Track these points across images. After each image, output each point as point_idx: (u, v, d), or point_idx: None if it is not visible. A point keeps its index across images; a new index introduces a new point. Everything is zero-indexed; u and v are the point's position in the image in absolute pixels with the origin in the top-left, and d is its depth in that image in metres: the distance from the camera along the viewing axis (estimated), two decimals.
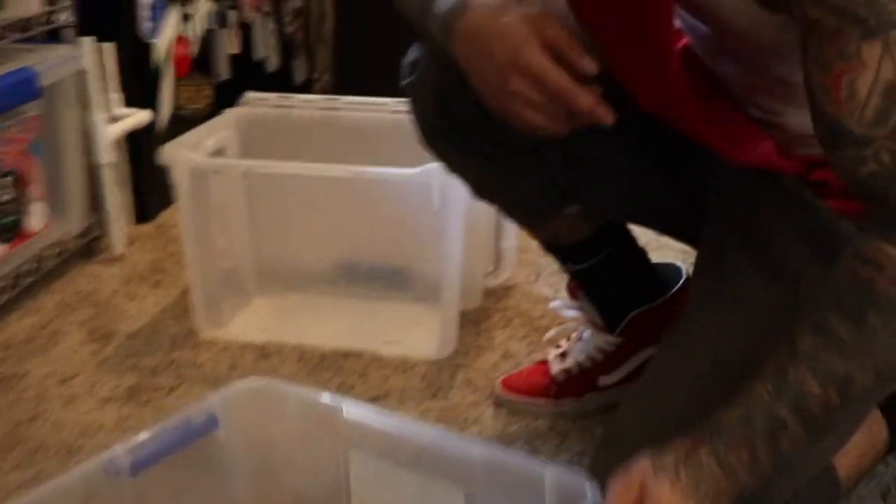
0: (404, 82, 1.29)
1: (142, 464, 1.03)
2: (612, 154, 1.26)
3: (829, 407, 0.93)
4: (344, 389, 1.56)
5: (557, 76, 0.98)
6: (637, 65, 1.11)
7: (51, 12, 1.86)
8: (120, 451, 1.03)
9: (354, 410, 1.09)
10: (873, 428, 1.27)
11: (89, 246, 2.03)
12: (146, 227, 2.17)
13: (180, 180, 1.67)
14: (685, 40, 1.17)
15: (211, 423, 1.12)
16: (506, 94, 1.01)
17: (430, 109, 1.27)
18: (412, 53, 1.28)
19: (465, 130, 1.25)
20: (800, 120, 0.97)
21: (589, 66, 0.99)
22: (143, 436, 1.04)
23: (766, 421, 0.94)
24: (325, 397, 1.13)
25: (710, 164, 1.21)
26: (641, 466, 0.99)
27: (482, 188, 1.36)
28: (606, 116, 0.99)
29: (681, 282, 1.51)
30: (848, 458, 1.21)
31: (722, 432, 0.97)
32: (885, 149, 0.87)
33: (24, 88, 1.74)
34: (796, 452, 0.96)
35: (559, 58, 0.99)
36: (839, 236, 1.07)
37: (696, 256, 1.26)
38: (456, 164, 1.34)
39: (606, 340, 1.49)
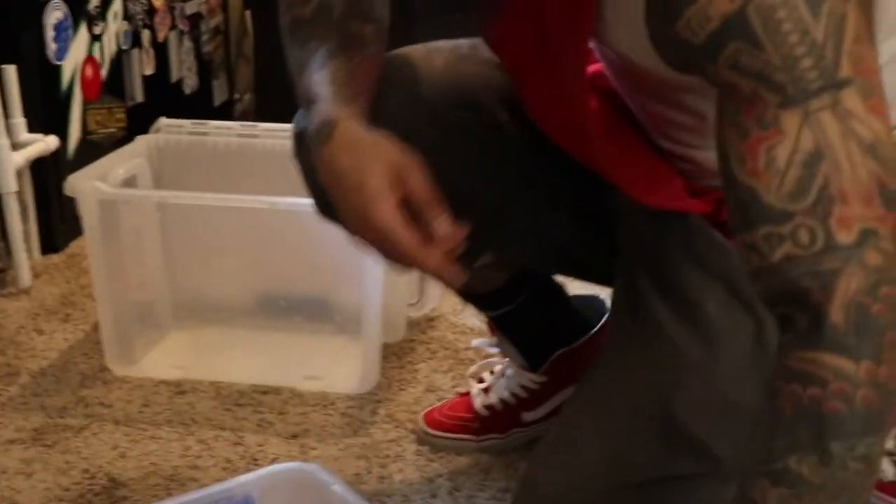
0: (294, 152, 1.27)
1: None
2: (521, 203, 1.26)
3: None
4: (263, 427, 1.56)
5: (406, 239, 0.98)
6: (552, 103, 1.11)
7: None
8: None
9: None
10: None
11: None
12: (55, 258, 2.17)
13: (88, 212, 1.67)
14: (598, 66, 1.17)
15: (245, 501, 1.12)
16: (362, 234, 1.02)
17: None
18: (298, 121, 1.23)
19: None
20: (713, 154, 0.94)
21: (441, 228, 0.98)
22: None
23: None
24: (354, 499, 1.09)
25: (621, 206, 1.21)
26: None
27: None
28: (454, 280, 1.01)
29: (604, 318, 1.51)
30: None
31: None
32: (804, 226, 0.84)
33: None
34: None
35: (415, 212, 0.98)
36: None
37: (612, 301, 1.26)
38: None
39: (530, 379, 1.51)
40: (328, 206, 1.27)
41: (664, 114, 1.09)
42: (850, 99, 0.82)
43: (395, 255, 1.00)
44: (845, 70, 0.81)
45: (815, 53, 0.81)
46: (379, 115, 1.16)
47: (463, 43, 1.29)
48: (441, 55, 1.27)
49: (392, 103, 1.20)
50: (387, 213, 0.97)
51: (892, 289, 0.84)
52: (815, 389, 0.83)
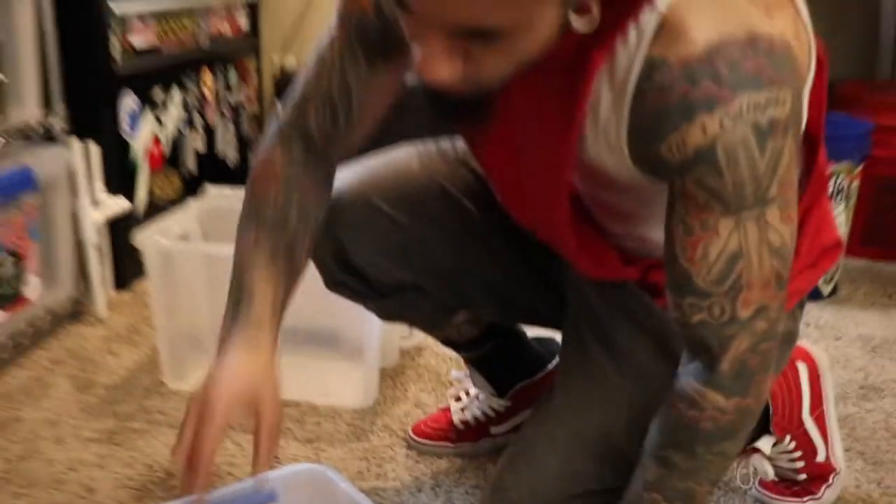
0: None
1: None
2: (488, 273, 1.26)
3: None
4: (284, 433, 1.55)
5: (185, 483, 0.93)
6: (527, 204, 1.08)
7: (46, 117, 1.87)
8: None
9: None
10: None
11: (76, 310, 2.02)
12: (124, 295, 2.16)
13: (150, 260, 1.67)
14: None
15: (271, 496, 1.08)
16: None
17: (332, 267, 1.26)
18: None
19: (363, 281, 1.26)
20: (660, 233, 0.94)
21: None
22: (211, 497, 0.98)
23: None
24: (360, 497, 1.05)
25: (569, 273, 1.19)
26: None
27: (384, 315, 1.37)
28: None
29: (555, 355, 1.49)
30: None
31: None
32: (718, 304, 0.88)
33: (24, 183, 1.75)
34: None
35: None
36: (669, 330, 1.05)
37: (561, 344, 1.24)
38: (358, 301, 1.33)
39: (497, 403, 1.50)
40: (335, 283, 1.28)
41: (619, 204, 1.06)
42: (771, 213, 0.85)
43: (180, 438, 0.95)
44: (773, 191, 0.84)
45: (755, 181, 0.82)
46: (384, 201, 1.21)
47: (439, 144, 1.27)
48: (418, 158, 1.26)
49: (384, 199, 1.21)
50: (181, 452, 0.93)
51: (769, 345, 0.92)
52: (695, 412, 0.93)
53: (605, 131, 0.89)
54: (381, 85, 1.03)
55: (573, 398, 1.13)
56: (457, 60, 0.76)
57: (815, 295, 2.21)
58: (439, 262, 1.24)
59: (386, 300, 1.30)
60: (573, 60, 0.85)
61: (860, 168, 2.22)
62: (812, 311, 2.15)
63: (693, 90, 0.79)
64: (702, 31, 0.79)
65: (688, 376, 0.95)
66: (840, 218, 2.21)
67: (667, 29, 0.81)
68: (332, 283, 1.29)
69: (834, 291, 2.25)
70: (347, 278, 1.27)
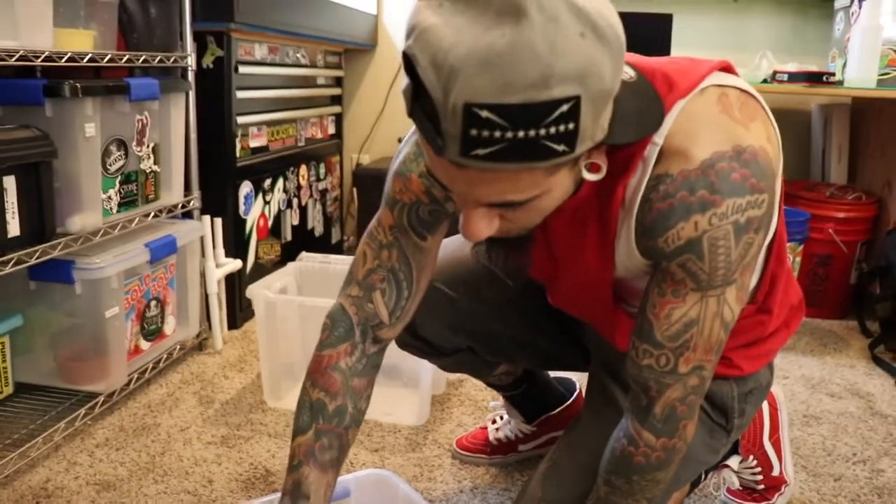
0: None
1: None
2: (525, 335, 1.24)
3: None
4: (357, 444, 1.54)
5: None
6: (576, 303, 1.06)
7: (187, 200, 1.91)
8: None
9: None
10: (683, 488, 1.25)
11: (200, 344, 2.03)
12: (235, 333, 2.17)
13: (258, 308, 1.68)
14: None
15: (346, 492, 1.10)
16: None
17: (403, 335, 1.20)
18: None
19: (427, 345, 1.24)
20: None
21: None
22: None
23: None
24: (415, 496, 1.04)
25: (592, 336, 1.17)
26: None
27: (442, 367, 1.34)
28: None
29: (574, 393, 1.49)
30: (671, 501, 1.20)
31: None
32: (665, 356, 0.84)
33: (169, 248, 1.77)
34: None
35: None
36: None
37: (587, 387, 1.19)
38: (422, 357, 1.30)
39: (526, 427, 1.48)
40: (406, 345, 1.25)
41: (633, 283, 0.98)
42: (730, 292, 0.82)
43: None
44: (735, 276, 0.81)
45: (727, 266, 0.80)
46: (443, 283, 1.18)
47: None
48: (470, 246, 1.23)
49: (444, 282, 1.19)
50: None
51: (696, 398, 0.87)
52: (632, 448, 0.90)
53: (622, 237, 0.87)
54: (431, 250, 0.98)
55: (596, 428, 1.09)
56: (494, 220, 0.74)
57: None
58: (487, 329, 1.21)
59: (445, 358, 1.28)
60: (598, 201, 0.85)
61: (801, 248, 2.20)
62: None
63: (690, 196, 0.78)
64: (697, 149, 0.78)
65: (630, 416, 0.91)
66: None
67: (667, 153, 0.79)
68: (403, 345, 1.27)
69: None
70: (415, 343, 1.25)
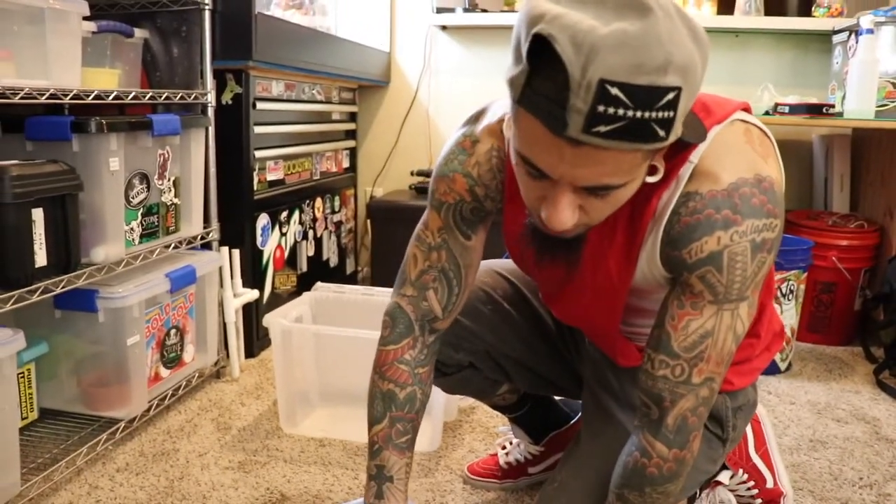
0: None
1: None
2: (525, 358, 1.25)
3: None
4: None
5: None
6: (586, 318, 1.07)
7: (206, 232, 1.93)
8: None
9: None
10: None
11: (218, 372, 2.04)
12: (252, 361, 2.17)
13: (274, 336, 1.69)
14: None
15: None
16: None
17: None
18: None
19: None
20: None
21: None
22: None
23: None
24: None
25: (589, 356, 1.20)
26: None
27: (447, 388, 1.33)
28: None
29: (579, 413, 1.45)
30: None
31: None
32: (680, 366, 0.87)
33: (188, 278, 1.79)
34: None
35: None
36: None
37: (582, 406, 1.22)
38: None
39: (534, 448, 1.48)
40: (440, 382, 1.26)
41: (640, 304, 1.03)
42: (743, 309, 0.86)
43: None
44: (748, 292, 0.85)
45: (742, 282, 0.84)
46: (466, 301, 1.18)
47: (486, 263, 1.26)
48: (492, 274, 1.26)
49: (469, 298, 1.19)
50: None
51: (705, 410, 0.89)
52: (645, 460, 0.91)
53: (647, 249, 0.90)
54: (475, 248, 1.03)
55: (596, 445, 1.11)
56: (576, 210, 0.78)
57: (774, 370, 2.16)
58: (486, 347, 1.23)
59: (448, 378, 1.29)
60: (632, 211, 0.88)
61: (805, 275, 2.20)
62: (772, 382, 2.10)
63: (715, 214, 0.82)
64: (725, 173, 0.83)
65: (641, 430, 0.93)
66: (791, 311, 2.18)
67: (699, 173, 0.85)
68: None
69: (788, 368, 2.20)
70: None
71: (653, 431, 0.90)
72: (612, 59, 0.65)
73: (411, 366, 1.03)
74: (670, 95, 0.68)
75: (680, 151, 0.83)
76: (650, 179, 0.79)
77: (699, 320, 0.86)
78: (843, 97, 2.28)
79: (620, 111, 0.67)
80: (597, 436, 1.12)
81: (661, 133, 0.70)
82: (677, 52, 0.67)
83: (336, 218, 2.73)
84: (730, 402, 1.09)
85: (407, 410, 1.03)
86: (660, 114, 0.68)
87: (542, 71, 0.69)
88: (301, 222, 2.44)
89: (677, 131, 0.72)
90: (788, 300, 2.16)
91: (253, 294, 2.10)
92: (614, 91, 0.66)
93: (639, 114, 0.67)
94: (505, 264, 1.27)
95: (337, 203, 2.74)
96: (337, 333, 1.69)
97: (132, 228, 1.67)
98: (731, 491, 1.35)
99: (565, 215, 0.77)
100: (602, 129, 0.68)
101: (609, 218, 0.86)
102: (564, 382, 1.29)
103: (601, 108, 0.67)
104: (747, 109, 0.91)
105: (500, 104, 0.99)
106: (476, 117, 1.00)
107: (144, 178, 1.69)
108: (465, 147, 0.98)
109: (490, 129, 0.97)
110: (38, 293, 1.39)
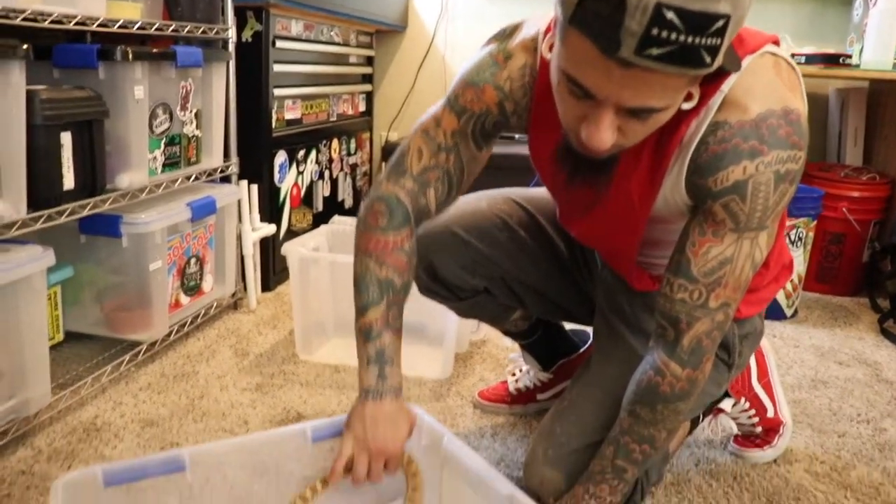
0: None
1: (321, 435, 1.04)
2: (537, 282, 1.27)
3: (646, 454, 0.99)
4: None
5: (394, 465, 0.98)
6: (610, 243, 1.09)
7: (226, 165, 1.96)
8: (308, 426, 1.03)
9: (452, 442, 1.02)
10: (684, 425, 1.29)
11: (235, 303, 2.08)
12: (269, 295, 2.21)
13: (292, 264, 1.72)
14: None
15: None
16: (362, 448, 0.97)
17: (424, 279, 1.27)
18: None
19: (447, 289, 1.28)
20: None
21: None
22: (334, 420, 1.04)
23: (612, 469, 1.01)
24: (443, 431, 1.04)
25: (602, 282, 1.22)
26: None
27: (461, 313, 1.37)
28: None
29: (589, 342, 1.52)
30: (672, 443, 1.26)
31: (592, 478, 1.02)
32: (698, 290, 0.89)
33: (209, 208, 1.82)
34: (636, 474, 1.01)
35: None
36: None
37: (594, 331, 1.24)
38: (443, 303, 1.33)
39: (543, 375, 1.52)
40: (427, 290, 1.28)
41: (655, 235, 1.05)
42: (762, 238, 0.88)
43: (374, 469, 0.98)
44: (768, 222, 0.87)
45: (763, 211, 0.86)
46: (460, 229, 1.22)
47: (501, 191, 1.30)
48: (486, 200, 1.27)
49: (461, 228, 1.23)
50: (399, 449, 0.98)
51: (719, 334, 0.92)
52: (658, 378, 0.93)
53: (672, 176, 0.92)
54: (482, 161, 1.04)
55: (609, 367, 1.13)
56: (616, 131, 0.78)
57: (780, 315, 2.20)
58: (501, 272, 1.25)
59: (463, 302, 1.31)
60: (660, 136, 0.89)
61: (814, 223, 2.22)
62: (777, 327, 2.14)
63: (743, 143, 0.84)
64: (754, 104, 0.84)
65: (656, 350, 0.95)
66: (799, 258, 2.20)
67: (728, 102, 0.86)
68: (424, 290, 1.30)
69: (794, 314, 2.23)
70: (435, 286, 1.28)
71: (668, 352, 0.93)
72: None
73: (409, 255, 1.02)
74: (720, 23, 0.68)
75: (714, 80, 0.83)
76: (685, 106, 0.80)
77: (719, 247, 0.87)
78: (861, 50, 2.27)
79: (673, 35, 0.67)
80: (608, 358, 1.15)
81: (708, 59, 0.70)
82: None
83: (352, 160, 2.75)
84: (737, 330, 1.12)
85: (402, 296, 1.03)
86: (709, 40, 0.69)
87: None
88: (318, 162, 2.47)
89: (720, 59, 0.73)
90: (797, 247, 2.18)
91: (270, 228, 2.13)
92: (670, 15, 0.66)
93: (690, 39, 0.68)
94: (521, 192, 1.30)
95: (353, 146, 2.76)
96: (351, 262, 1.71)
97: (155, 157, 1.71)
98: (733, 419, 1.40)
99: (606, 135, 0.77)
100: (654, 51, 0.68)
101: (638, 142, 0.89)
102: (577, 309, 1.31)
103: (655, 32, 0.67)
104: (776, 43, 0.91)
105: (535, 21, 0.98)
106: (509, 33, 0.99)
107: (167, 108, 1.72)
108: (498, 60, 0.97)
109: (524, 46, 0.96)
110: (66, 214, 1.43)
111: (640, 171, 0.93)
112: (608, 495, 1.02)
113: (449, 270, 1.24)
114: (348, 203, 2.76)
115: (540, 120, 0.98)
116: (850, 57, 2.22)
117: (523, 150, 2.64)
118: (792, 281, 2.18)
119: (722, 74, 0.83)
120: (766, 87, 0.85)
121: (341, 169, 2.67)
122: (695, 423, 1.32)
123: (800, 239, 2.18)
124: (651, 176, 0.93)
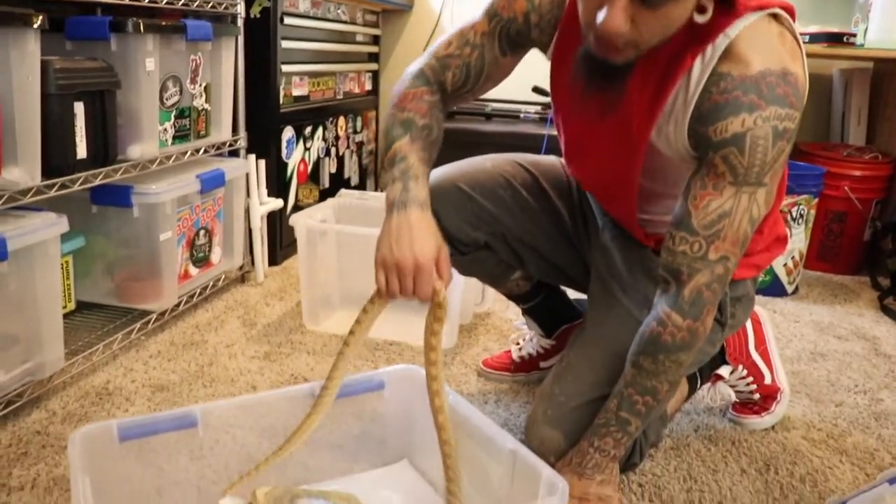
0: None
1: None
2: (538, 242, 1.29)
3: (649, 406, 1.01)
4: (389, 362, 1.60)
5: (427, 275, 0.94)
6: (610, 196, 1.14)
7: (234, 139, 1.98)
8: (316, 384, 1.06)
9: (458, 402, 1.05)
10: (682, 388, 1.32)
11: (243, 276, 2.11)
12: (276, 268, 2.24)
13: (300, 234, 1.74)
14: None
15: (381, 384, 1.16)
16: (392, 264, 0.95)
17: None
18: None
19: (449, 243, 1.21)
20: (668, 217, 0.98)
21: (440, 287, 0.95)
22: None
23: (616, 421, 1.03)
24: (449, 391, 1.05)
25: (598, 243, 1.24)
26: (563, 466, 1.07)
27: (462, 270, 1.36)
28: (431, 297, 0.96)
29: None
30: (670, 404, 1.29)
31: (597, 432, 1.05)
32: (698, 242, 0.92)
33: (217, 180, 1.85)
34: (639, 427, 1.04)
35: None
36: None
37: (589, 293, 1.25)
38: None
39: (546, 342, 1.54)
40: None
41: (654, 187, 1.08)
42: (760, 193, 0.91)
43: (403, 284, 0.96)
44: (767, 178, 0.90)
45: (761, 166, 0.89)
46: (464, 184, 1.24)
47: (506, 155, 1.32)
48: (490, 161, 1.30)
49: (465, 183, 1.25)
50: (427, 262, 0.94)
51: (719, 287, 0.94)
52: (660, 328, 0.96)
53: (675, 115, 0.95)
54: (505, 67, 1.08)
55: (604, 328, 1.16)
56: (628, 21, 0.82)
57: (782, 292, 2.22)
58: (503, 229, 1.27)
59: (464, 258, 1.32)
60: (667, 65, 0.93)
61: (816, 201, 2.23)
62: (778, 303, 2.16)
63: (743, 97, 0.87)
64: (756, 60, 0.89)
65: (660, 302, 0.98)
66: (800, 235, 2.22)
67: (732, 53, 0.90)
68: None
69: (795, 291, 2.26)
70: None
71: (669, 303, 0.96)
72: None
73: (430, 105, 1.04)
74: None
75: (723, 16, 0.88)
76: (698, 18, 0.84)
77: (719, 200, 0.90)
78: (866, 30, 2.28)
79: None
80: (603, 319, 1.17)
81: None
82: None
83: (358, 138, 2.77)
84: (729, 292, 1.15)
85: (425, 135, 1.02)
86: None
87: None
88: (324, 139, 2.49)
89: None
90: (798, 224, 2.20)
91: (278, 203, 2.15)
92: None
93: None
94: (526, 156, 1.32)
95: (359, 124, 2.77)
96: (360, 233, 1.74)
97: (165, 129, 1.73)
98: (731, 386, 1.42)
99: (620, 19, 0.81)
100: None
101: (648, 61, 0.91)
102: (575, 272, 1.34)
103: None
104: (791, 11, 0.94)
105: None
106: None
107: (177, 81, 1.74)
108: None
109: None
110: (78, 183, 1.45)
111: (646, 93, 0.96)
112: (612, 448, 1.05)
113: (452, 223, 1.25)
114: (354, 180, 2.78)
115: (563, 37, 1.02)
116: (854, 35, 2.23)
117: (526, 129, 2.65)
118: (793, 258, 2.20)
119: (730, 15, 0.88)
120: (769, 48, 0.89)
121: (347, 146, 2.69)
122: (693, 386, 1.35)
123: (801, 216, 2.20)
124: (651, 103, 0.96)
